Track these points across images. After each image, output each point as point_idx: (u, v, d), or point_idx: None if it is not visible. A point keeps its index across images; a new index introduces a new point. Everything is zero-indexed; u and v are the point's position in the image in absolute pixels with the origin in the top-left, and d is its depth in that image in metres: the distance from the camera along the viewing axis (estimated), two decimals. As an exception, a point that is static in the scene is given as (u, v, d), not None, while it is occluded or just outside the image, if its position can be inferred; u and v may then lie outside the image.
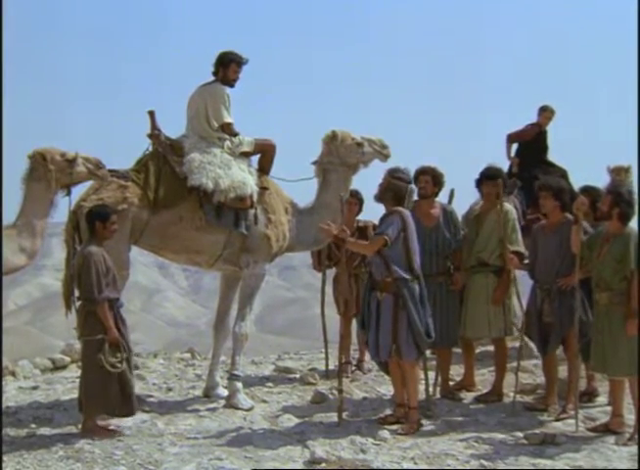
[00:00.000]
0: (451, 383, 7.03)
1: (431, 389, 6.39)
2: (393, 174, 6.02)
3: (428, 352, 6.27)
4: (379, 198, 6.00)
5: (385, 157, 6.90)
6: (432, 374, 6.52)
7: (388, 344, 5.75)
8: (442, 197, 6.87)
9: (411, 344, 5.73)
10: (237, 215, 6.43)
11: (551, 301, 6.12)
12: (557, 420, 5.96)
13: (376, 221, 6.44)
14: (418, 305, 5.76)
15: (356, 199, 7.57)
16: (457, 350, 7.20)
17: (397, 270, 5.73)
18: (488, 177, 6.66)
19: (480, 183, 6.73)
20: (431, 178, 6.61)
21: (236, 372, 6.49)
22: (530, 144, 8.79)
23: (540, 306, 6.18)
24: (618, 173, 8.24)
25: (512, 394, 6.42)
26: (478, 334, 6.80)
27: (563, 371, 6.46)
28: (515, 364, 6.46)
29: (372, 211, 6.08)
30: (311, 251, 7.58)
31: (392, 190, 5.89)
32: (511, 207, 6.91)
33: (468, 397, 6.79)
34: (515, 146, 8.97)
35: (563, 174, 8.58)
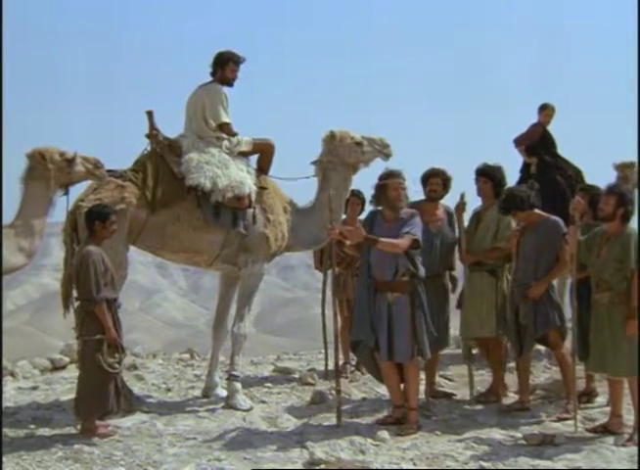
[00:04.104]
0: (452, 383, 7.02)
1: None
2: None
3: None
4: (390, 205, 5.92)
5: (386, 156, 6.89)
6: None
7: (408, 345, 5.71)
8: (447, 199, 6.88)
9: (427, 343, 5.75)
10: (235, 215, 6.42)
11: (526, 302, 6.12)
12: (556, 421, 5.95)
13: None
14: (427, 304, 5.82)
15: (358, 199, 7.55)
16: (458, 351, 7.18)
17: (421, 269, 5.77)
18: (480, 174, 6.67)
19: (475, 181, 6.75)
20: (441, 181, 6.59)
21: (235, 372, 6.48)
22: (539, 144, 8.79)
23: (517, 306, 6.18)
24: (623, 170, 8.24)
25: (510, 394, 6.41)
26: (471, 333, 6.80)
27: (559, 372, 6.47)
28: (513, 365, 6.44)
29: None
30: (312, 250, 7.56)
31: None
32: None
33: (467, 396, 6.78)
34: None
35: (578, 173, 8.60)
